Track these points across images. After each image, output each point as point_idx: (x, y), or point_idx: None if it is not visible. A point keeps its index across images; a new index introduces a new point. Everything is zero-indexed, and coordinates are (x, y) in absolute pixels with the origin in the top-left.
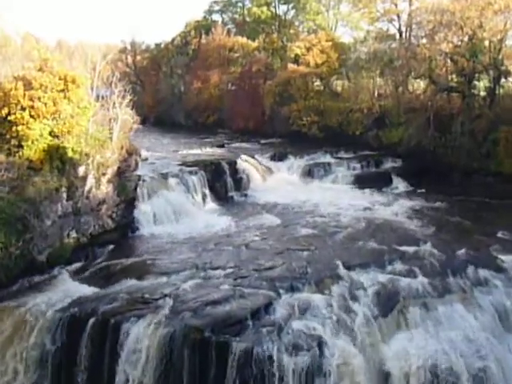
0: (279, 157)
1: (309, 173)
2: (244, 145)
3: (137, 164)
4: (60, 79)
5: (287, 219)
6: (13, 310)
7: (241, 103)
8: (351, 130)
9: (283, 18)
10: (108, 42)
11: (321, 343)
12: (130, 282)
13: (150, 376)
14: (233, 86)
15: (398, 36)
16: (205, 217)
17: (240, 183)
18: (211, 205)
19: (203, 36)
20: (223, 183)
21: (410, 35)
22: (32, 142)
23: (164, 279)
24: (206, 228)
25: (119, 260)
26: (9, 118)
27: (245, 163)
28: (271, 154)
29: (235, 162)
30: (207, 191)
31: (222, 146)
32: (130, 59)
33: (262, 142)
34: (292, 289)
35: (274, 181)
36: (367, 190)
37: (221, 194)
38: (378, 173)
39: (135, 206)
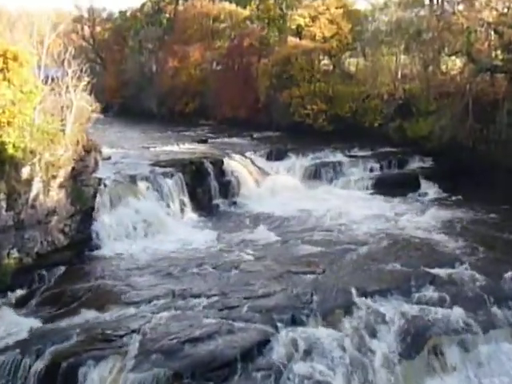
0: (277, 155)
1: (314, 175)
2: (233, 140)
3: (97, 164)
4: None
5: (287, 234)
6: None
7: (229, 87)
8: (368, 120)
9: None
10: (59, 8)
11: None
12: (88, 314)
13: None
14: (218, 65)
15: (427, 1)
16: (183, 231)
17: (227, 188)
18: (191, 215)
19: (180, 1)
20: (206, 188)
21: (442, 0)
22: None
23: (131, 310)
24: (184, 245)
25: (73, 286)
26: None
27: (234, 163)
28: (267, 152)
29: (221, 162)
30: (186, 198)
31: (204, 141)
32: (87, 31)
33: (256, 136)
34: (293, 322)
35: (271, 185)
36: (388, 197)
37: (203, 202)
38: (401, 175)
39: (94, 218)
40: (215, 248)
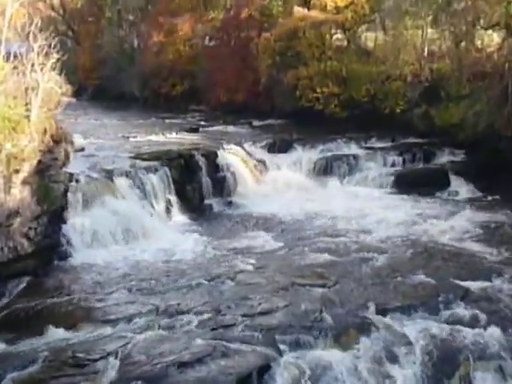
0: (280, 147)
1: (324, 171)
2: (228, 128)
3: (68, 156)
4: None
5: (292, 240)
6: None
7: (224, 66)
8: (388, 106)
9: None
10: None
11: None
12: (56, 335)
13: None
14: (212, 40)
15: None
16: (170, 236)
17: (222, 186)
18: (179, 218)
19: None
20: (197, 186)
21: None
22: None
23: (107, 330)
24: (171, 253)
25: (39, 300)
26: None
27: (229, 156)
28: (269, 143)
29: (215, 155)
30: (173, 198)
31: (195, 129)
32: None
33: (255, 124)
34: (299, 344)
35: (273, 182)
36: (412, 197)
37: (193, 202)
38: (428, 170)
39: (65, 220)
40: (207, 256)
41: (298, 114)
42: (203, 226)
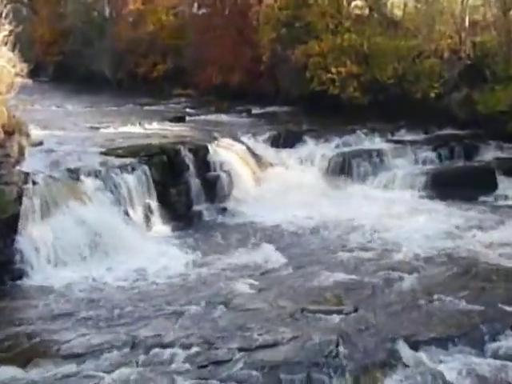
0: (287, 140)
1: (341, 170)
2: (222, 118)
3: (22, 152)
4: None
5: (301, 256)
6: None
7: (216, 41)
8: (420, 89)
9: None
10: None
11: None
12: (8, 372)
13: None
14: (202, 7)
15: None
16: (149, 250)
17: (214, 188)
18: (161, 228)
19: None
20: (183, 188)
21: None
22: None
23: (71, 367)
24: (151, 271)
25: None
26: None
27: (224, 152)
28: (272, 136)
29: (206, 150)
30: (154, 203)
31: (181, 119)
32: None
33: (256, 111)
34: None
35: (277, 184)
36: (450, 202)
37: (179, 209)
38: (470, 169)
39: (19, 232)
40: (195, 276)
41: (308, 99)
42: (191, 238)
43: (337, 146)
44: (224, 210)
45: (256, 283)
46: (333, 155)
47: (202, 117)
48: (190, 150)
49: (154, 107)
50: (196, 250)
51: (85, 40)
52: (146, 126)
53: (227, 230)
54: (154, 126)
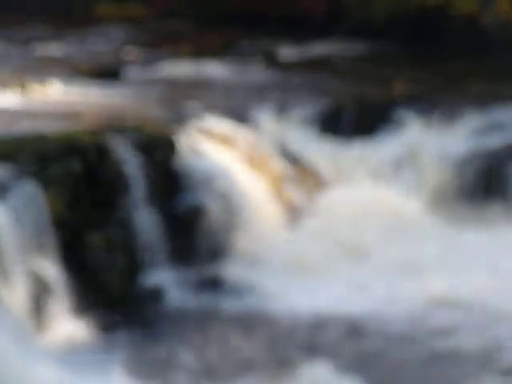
0: (355, 120)
1: (487, 187)
2: (209, 70)
3: None
4: None
5: None
6: None
7: None
8: None
9: None
10: None
11: None
12: None
13: None
14: None
15: None
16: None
17: (190, 232)
18: (67, 329)
19: None
20: (119, 234)
21: None
22: None
23: None
24: None
25: None
26: None
27: (211, 148)
28: (321, 111)
29: (170, 145)
30: (52, 270)
31: (112, 72)
32: None
33: (285, 55)
34: None
35: (336, 222)
36: None
37: (109, 282)
38: None
39: None
40: None
41: (402, 25)
42: (134, 358)
43: (474, 134)
44: (213, 283)
45: None
46: (465, 156)
47: (162, 68)
48: (134, 147)
49: (52, 46)
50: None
51: None
52: (37, 90)
53: (222, 337)
54: (54, 92)
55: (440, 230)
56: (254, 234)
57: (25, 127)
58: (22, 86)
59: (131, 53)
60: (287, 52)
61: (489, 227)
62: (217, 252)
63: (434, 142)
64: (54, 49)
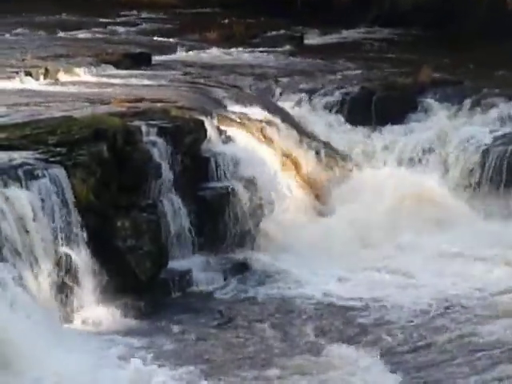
0: (387, 107)
1: None
2: (235, 55)
3: None
4: None
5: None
6: None
7: None
8: None
9: None
10: None
11: None
12: None
13: None
14: None
15: None
16: (65, 367)
17: (219, 219)
18: (94, 315)
19: None
20: (146, 220)
21: None
22: None
23: None
24: None
25: None
26: None
27: (239, 135)
28: (351, 97)
29: (198, 131)
30: (80, 254)
31: (141, 58)
32: None
33: (312, 41)
34: None
35: (367, 209)
36: None
37: (136, 267)
38: None
39: None
40: None
41: (428, 13)
42: (162, 344)
43: (500, 121)
44: (242, 267)
45: None
46: (491, 143)
47: (188, 54)
48: (161, 132)
49: (80, 34)
50: (175, 367)
51: None
52: (63, 76)
53: (250, 323)
54: (80, 78)
55: (466, 216)
56: (283, 219)
57: (51, 112)
58: (53, 70)
59: (158, 39)
60: (315, 38)
61: None
62: (245, 237)
63: (460, 129)
64: (81, 37)
